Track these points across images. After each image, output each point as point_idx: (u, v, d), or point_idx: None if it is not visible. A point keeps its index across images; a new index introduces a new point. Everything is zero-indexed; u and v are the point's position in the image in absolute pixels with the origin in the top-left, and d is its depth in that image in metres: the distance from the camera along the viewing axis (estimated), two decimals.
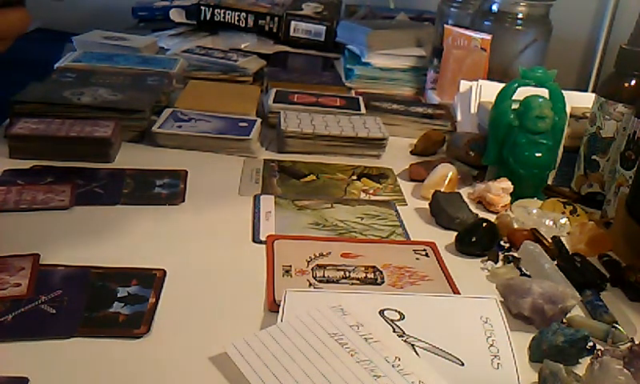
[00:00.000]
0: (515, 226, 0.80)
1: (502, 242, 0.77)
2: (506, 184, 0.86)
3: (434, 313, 0.60)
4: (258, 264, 0.68)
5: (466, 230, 0.76)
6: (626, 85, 0.85)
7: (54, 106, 0.96)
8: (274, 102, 1.09)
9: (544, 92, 0.88)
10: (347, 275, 0.67)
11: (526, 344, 0.59)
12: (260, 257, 0.70)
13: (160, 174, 0.87)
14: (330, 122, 1.03)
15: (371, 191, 0.89)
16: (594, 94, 0.90)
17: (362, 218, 0.81)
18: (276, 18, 1.49)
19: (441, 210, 0.81)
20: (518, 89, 0.89)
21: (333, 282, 0.66)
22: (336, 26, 1.49)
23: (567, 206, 0.86)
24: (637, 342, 0.58)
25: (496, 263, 0.73)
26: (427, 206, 0.84)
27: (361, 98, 1.17)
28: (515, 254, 0.74)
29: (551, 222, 0.81)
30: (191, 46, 1.40)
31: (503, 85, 0.91)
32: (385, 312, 0.59)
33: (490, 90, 1.00)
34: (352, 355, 0.53)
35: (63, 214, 0.75)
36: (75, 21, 1.58)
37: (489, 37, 1.17)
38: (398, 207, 0.85)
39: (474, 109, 1.05)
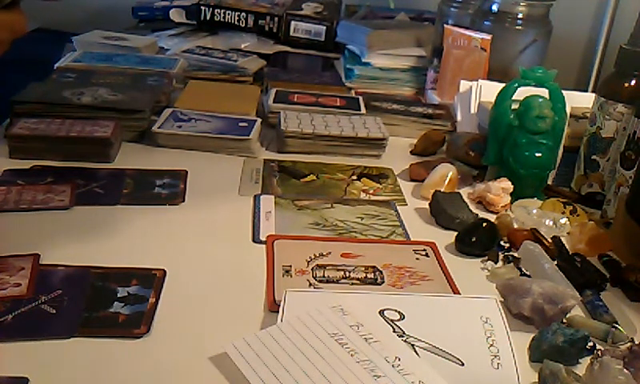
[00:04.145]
0: (515, 226, 0.80)
1: (502, 242, 0.77)
2: (505, 184, 0.86)
3: (434, 313, 0.60)
4: (258, 264, 0.68)
5: (465, 229, 0.76)
6: (626, 85, 0.85)
7: (54, 106, 0.96)
8: (274, 102, 1.09)
9: (544, 92, 0.88)
10: (347, 275, 0.67)
11: (526, 344, 0.59)
12: (260, 257, 0.70)
13: (160, 174, 0.87)
14: (330, 121, 1.03)
15: (371, 191, 0.89)
16: (593, 94, 0.90)
17: (362, 218, 0.81)
18: (276, 18, 1.49)
19: (441, 210, 0.81)
20: (518, 89, 0.89)
21: (333, 282, 0.66)
22: (336, 25, 1.49)
23: (567, 206, 0.86)
24: (637, 342, 0.58)
25: (496, 263, 0.73)
26: (427, 206, 0.84)
27: (361, 98, 1.17)
28: (515, 254, 0.74)
29: (551, 222, 0.81)
30: (191, 46, 1.40)
31: (503, 85, 0.91)
32: (385, 312, 0.59)
33: (489, 90, 1.00)
34: (352, 355, 0.53)
35: (63, 213, 0.75)
36: (75, 21, 1.58)
37: (489, 37, 1.17)
38: (398, 207, 0.85)
39: (474, 109, 1.05)
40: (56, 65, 1.17)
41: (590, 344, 0.59)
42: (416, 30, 1.43)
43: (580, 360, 0.57)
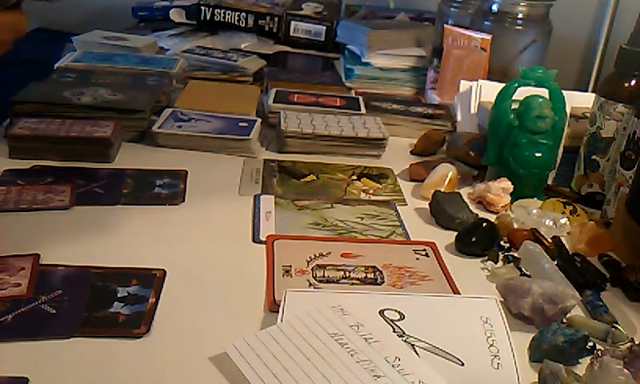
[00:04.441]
0: (515, 226, 0.80)
1: (502, 242, 0.77)
2: (505, 184, 0.86)
3: (434, 313, 0.60)
4: (258, 264, 0.68)
5: (465, 229, 0.76)
6: (626, 85, 0.85)
7: (54, 105, 0.96)
8: (274, 102, 1.09)
9: (544, 92, 0.88)
10: (347, 275, 0.67)
11: (526, 344, 0.59)
12: (260, 257, 0.70)
13: (160, 174, 0.87)
14: (330, 121, 1.03)
15: (371, 191, 0.89)
16: (593, 94, 0.90)
17: (362, 218, 0.81)
18: (276, 18, 1.49)
19: (441, 210, 0.81)
20: (518, 89, 0.89)
21: (333, 282, 0.66)
22: (336, 25, 1.49)
23: (567, 206, 0.86)
24: (637, 342, 0.58)
25: (496, 263, 0.73)
26: (427, 206, 0.84)
27: (361, 98, 1.17)
28: (515, 254, 0.74)
29: (551, 222, 0.81)
30: (191, 46, 1.40)
31: (503, 85, 0.91)
32: (385, 312, 0.59)
33: (490, 90, 1.00)
34: (352, 355, 0.53)
35: (63, 213, 0.75)
36: (75, 21, 1.58)
37: (489, 37, 1.17)
38: (398, 207, 0.85)
39: (474, 109, 1.05)
40: (56, 65, 1.17)
41: (590, 344, 0.59)
42: (416, 30, 1.43)
43: (580, 360, 0.57)
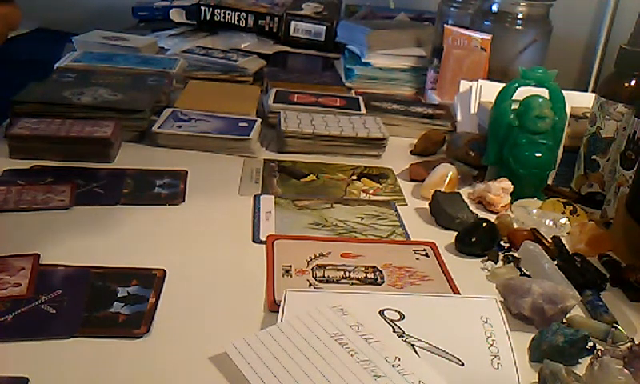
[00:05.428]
0: (515, 226, 0.80)
1: (502, 242, 0.77)
2: (506, 184, 0.86)
3: (434, 313, 0.60)
4: (258, 264, 0.68)
5: (465, 229, 0.76)
6: (626, 85, 0.85)
7: (54, 105, 0.96)
8: (274, 102, 1.09)
9: (544, 92, 0.88)
10: (347, 275, 0.67)
11: (526, 344, 0.59)
12: (260, 257, 0.70)
13: (160, 174, 0.87)
14: (330, 122, 1.03)
15: (371, 191, 0.89)
16: (593, 94, 0.90)
17: (362, 218, 0.81)
18: (276, 18, 1.49)
19: (441, 210, 0.81)
20: (518, 89, 0.89)
21: (333, 282, 0.66)
22: (336, 25, 1.50)
23: (567, 206, 0.86)
24: (637, 342, 0.58)
25: (496, 263, 0.73)
26: (427, 206, 0.84)
27: (361, 98, 1.17)
28: (515, 254, 0.74)
29: (551, 222, 0.81)
30: (191, 46, 1.40)
31: (503, 85, 0.91)
32: (385, 312, 0.59)
33: (490, 90, 1.00)
34: (352, 355, 0.53)
35: (63, 213, 0.75)
36: (75, 21, 1.58)
37: (489, 37, 1.17)
38: (398, 207, 0.85)
39: (474, 109, 1.05)
40: (56, 65, 1.17)
41: (590, 344, 0.59)
42: (416, 30, 1.43)
43: (580, 360, 0.57)
